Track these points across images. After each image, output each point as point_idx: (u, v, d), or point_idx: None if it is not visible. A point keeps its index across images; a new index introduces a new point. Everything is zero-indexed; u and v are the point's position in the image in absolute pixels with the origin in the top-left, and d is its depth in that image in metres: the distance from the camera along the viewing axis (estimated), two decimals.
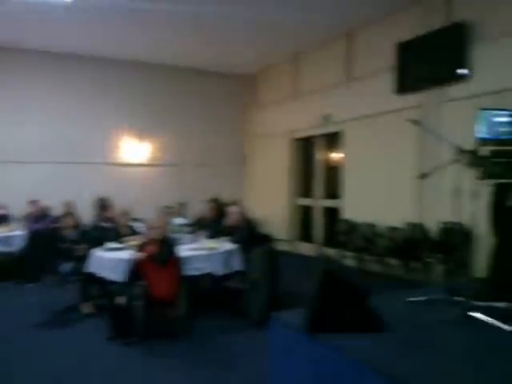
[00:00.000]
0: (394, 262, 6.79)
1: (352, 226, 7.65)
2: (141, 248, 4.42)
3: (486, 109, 4.09)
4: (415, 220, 6.54)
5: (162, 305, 4.25)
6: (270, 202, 9.87)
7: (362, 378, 2.27)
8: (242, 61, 9.70)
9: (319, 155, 9.08)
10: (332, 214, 8.51)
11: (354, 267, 7.42)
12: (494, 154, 3.90)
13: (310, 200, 9.25)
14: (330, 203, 8.70)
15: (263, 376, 3.09)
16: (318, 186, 9.06)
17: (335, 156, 8.73)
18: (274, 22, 7.50)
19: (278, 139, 9.79)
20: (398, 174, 6.83)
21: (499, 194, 3.41)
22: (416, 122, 3.49)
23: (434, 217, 6.10)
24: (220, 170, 10.25)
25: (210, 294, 5.19)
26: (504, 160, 3.67)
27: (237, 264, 4.97)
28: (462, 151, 3.26)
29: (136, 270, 4.21)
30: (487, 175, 3.60)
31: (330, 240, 8.28)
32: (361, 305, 2.71)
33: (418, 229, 6.49)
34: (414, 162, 6.45)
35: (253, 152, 10.65)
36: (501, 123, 3.97)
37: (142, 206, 7.63)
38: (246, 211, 6.15)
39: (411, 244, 6.46)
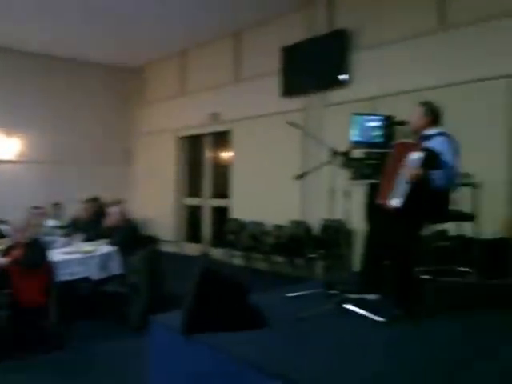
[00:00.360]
0: (279, 259, 7.01)
1: (240, 226, 7.74)
2: (6, 252, 4.09)
3: (358, 114, 4.44)
4: (299, 218, 6.82)
5: (31, 313, 3.92)
6: (156, 202, 9.65)
7: (240, 375, 2.30)
8: (128, 54, 9.37)
9: (208, 154, 9.07)
10: (221, 213, 8.54)
11: (241, 265, 7.57)
12: (366, 156, 4.26)
13: (198, 199, 9.20)
14: (218, 203, 8.73)
15: (144, 382, 3.01)
16: (207, 185, 9.05)
17: (224, 155, 8.79)
18: (161, 17, 7.35)
19: (165, 137, 9.60)
20: (283, 174, 7.05)
21: (370, 193, 3.61)
22: (294, 124, 3.62)
23: (316, 215, 6.43)
24: (103, 169, 9.76)
25: (87, 300, 4.95)
26: (374, 162, 4.02)
27: (116, 267, 4.80)
28: (335, 153, 3.46)
29: (0, 277, 3.90)
30: (359, 176, 3.91)
31: (219, 240, 8.30)
32: (240, 302, 2.76)
33: (301, 226, 6.77)
34: (298, 162, 6.71)
35: (139, 150, 10.34)
36: (373, 127, 4.34)
37: (12, 207, 7.04)
38: (128, 211, 5.97)
39: (295, 241, 6.71)
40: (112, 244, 4.96)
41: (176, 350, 2.71)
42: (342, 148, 3.62)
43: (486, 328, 2.95)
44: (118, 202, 5.36)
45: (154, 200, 9.70)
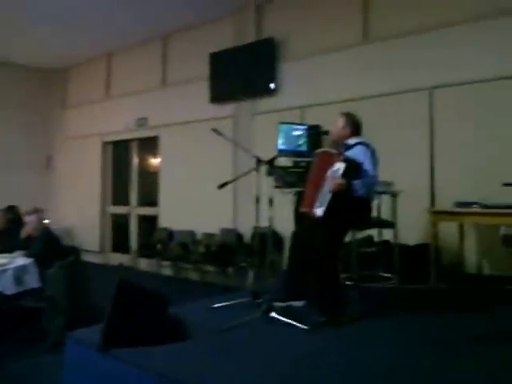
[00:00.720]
0: (210, 268, 6.95)
1: (169, 234, 7.62)
2: None
3: (284, 122, 4.54)
4: (231, 226, 6.82)
5: None
6: (80, 211, 9.25)
7: None
8: (52, 55, 8.95)
9: (135, 160, 8.85)
10: (149, 222, 8.33)
11: (169, 276, 7.47)
12: (294, 164, 4.37)
13: (125, 208, 8.93)
14: (146, 211, 8.52)
15: None
16: (134, 192, 8.82)
17: (152, 161, 8.62)
18: (86, 18, 7.12)
19: (89, 142, 9.24)
20: (214, 181, 7.00)
21: (298, 201, 3.72)
22: (217, 132, 3.63)
23: (248, 222, 6.45)
24: (21, 176, 9.16)
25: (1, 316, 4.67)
26: (299, 170, 4.13)
27: (33, 281, 4.56)
28: (259, 161, 3.50)
29: None
30: (283, 184, 4.01)
31: (147, 249, 8.08)
32: (160, 315, 2.73)
33: (232, 234, 6.76)
34: (229, 169, 6.71)
35: (62, 156, 9.87)
36: (298, 136, 4.46)
37: None
38: (48, 221, 5.71)
39: (226, 250, 6.69)
40: (28, 256, 4.72)
41: (92, 368, 2.62)
42: (271, 156, 3.65)
43: (407, 333, 3.06)
44: (35, 211, 5.10)
45: (78, 208, 9.30)
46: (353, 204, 3.30)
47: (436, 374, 2.36)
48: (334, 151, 3.46)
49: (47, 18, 7.18)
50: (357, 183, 3.27)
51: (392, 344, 2.84)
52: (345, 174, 3.19)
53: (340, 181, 3.20)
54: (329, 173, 3.28)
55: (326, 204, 3.19)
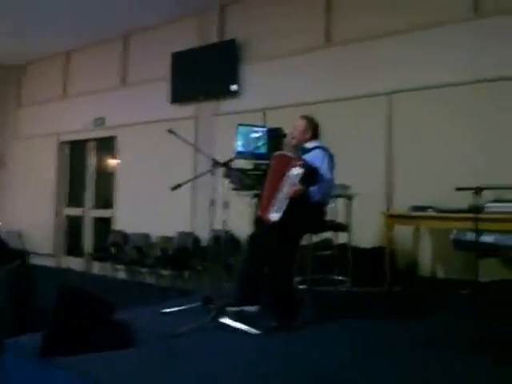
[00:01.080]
0: (166, 272, 6.76)
1: (124, 237, 7.38)
2: None
3: (243, 124, 4.46)
4: (189, 229, 6.65)
5: None
6: (33, 213, 8.83)
7: None
8: (4, 51, 8.52)
9: (91, 161, 8.57)
10: (105, 224, 8.05)
11: (124, 280, 7.23)
12: (255, 167, 4.28)
13: (79, 209, 8.60)
14: (101, 213, 8.24)
15: None
16: (89, 194, 8.52)
17: (109, 163, 8.33)
18: (45, 15, 6.88)
19: (45, 142, 8.87)
20: (172, 184, 6.85)
21: (257, 204, 3.66)
22: (172, 132, 3.51)
23: (206, 225, 6.31)
24: None
25: None
26: (257, 173, 4.04)
27: None
28: (215, 163, 3.40)
29: None
30: (241, 186, 3.92)
31: (101, 253, 7.77)
32: (104, 321, 2.61)
33: (189, 238, 6.59)
34: (189, 172, 6.50)
35: (14, 155, 9.44)
36: (257, 139, 4.38)
37: None
38: None
39: (183, 253, 6.51)
40: None
41: (31, 376, 2.47)
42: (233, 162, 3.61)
43: (358, 336, 3.03)
44: None
45: (31, 210, 8.87)
46: (308, 209, 3.26)
47: (382, 376, 2.34)
48: (291, 155, 3.41)
49: (1, 15, 6.87)
50: (313, 189, 3.23)
51: (343, 347, 2.82)
52: (302, 179, 3.14)
53: (298, 187, 3.15)
54: (286, 178, 3.21)
55: (282, 210, 3.13)
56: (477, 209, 2.84)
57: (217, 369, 2.44)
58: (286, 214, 3.11)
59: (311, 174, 3.19)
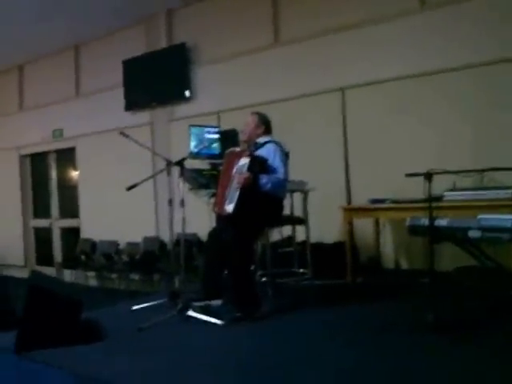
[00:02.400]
0: (135, 277, 6.45)
1: (92, 245, 7.02)
2: None
3: (195, 125, 4.17)
4: (154, 234, 6.34)
5: None
6: (1, 225, 8.28)
7: None
8: None
9: (53, 172, 8.12)
10: (73, 234, 7.65)
11: (94, 286, 6.86)
12: (211, 167, 4.01)
13: (46, 221, 8.15)
14: (68, 223, 7.82)
15: None
16: (54, 205, 8.09)
17: (71, 173, 7.90)
18: None
19: (5, 156, 8.37)
20: (134, 190, 6.46)
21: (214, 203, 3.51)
22: (124, 135, 3.40)
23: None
24: None
25: None
26: (213, 172, 3.76)
27: None
28: (169, 163, 3.25)
29: None
30: (196, 186, 3.67)
31: (71, 261, 7.38)
32: (73, 317, 2.64)
33: (155, 242, 6.30)
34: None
35: None
36: (210, 139, 4.08)
37: None
38: None
39: (149, 258, 6.21)
40: None
41: (5, 370, 2.54)
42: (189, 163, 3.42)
43: (317, 324, 2.95)
44: None
45: None
46: (263, 201, 3.15)
47: (339, 365, 2.27)
48: (240, 150, 3.36)
49: None
50: (263, 177, 3.13)
51: (303, 336, 2.76)
52: (250, 168, 3.08)
53: (246, 175, 3.06)
54: (235, 170, 3.16)
55: (235, 200, 3.07)
56: (431, 198, 2.63)
57: (184, 358, 2.44)
58: (240, 206, 3.05)
59: (258, 163, 3.12)
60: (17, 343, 2.48)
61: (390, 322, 2.89)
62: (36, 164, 8.39)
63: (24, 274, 7.85)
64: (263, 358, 2.40)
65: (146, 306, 3.39)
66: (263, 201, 3.13)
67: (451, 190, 3.59)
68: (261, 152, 3.26)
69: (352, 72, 4.80)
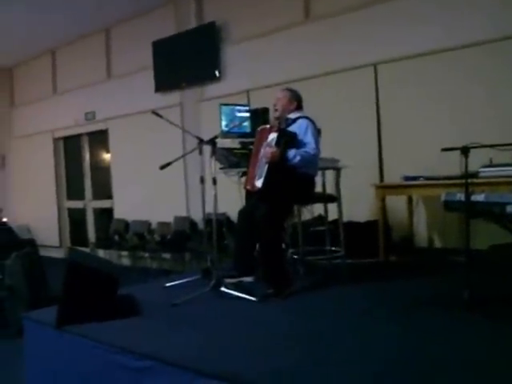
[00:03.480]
0: (167, 255, 6.51)
1: (125, 225, 7.12)
2: None
3: (226, 104, 4.12)
4: (185, 213, 6.35)
5: None
6: (36, 208, 8.56)
7: (115, 361, 2.19)
8: None
9: (86, 154, 8.22)
10: (106, 214, 7.76)
11: (128, 266, 6.98)
12: (242, 146, 3.96)
13: (80, 202, 8.30)
14: (101, 204, 7.93)
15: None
16: (88, 186, 8.20)
17: (104, 155, 7.97)
18: (27, 16, 6.48)
19: (40, 139, 8.52)
20: (166, 170, 6.52)
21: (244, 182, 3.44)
22: (156, 114, 3.29)
23: (200, 208, 6.00)
24: None
25: None
26: (243, 151, 3.72)
27: None
28: (201, 141, 3.17)
29: None
30: (228, 164, 3.64)
31: (105, 241, 7.51)
32: (110, 293, 2.67)
33: (186, 222, 6.31)
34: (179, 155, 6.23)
35: (13, 154, 9.10)
36: (241, 117, 4.03)
37: None
38: (5, 219, 5.17)
39: (180, 237, 6.22)
40: None
41: (50, 344, 2.60)
42: (220, 142, 3.33)
43: (349, 302, 2.93)
44: None
45: (35, 205, 8.61)
46: (294, 177, 3.08)
47: (374, 340, 2.21)
48: (270, 126, 3.27)
49: None
50: (291, 152, 3.04)
51: (341, 311, 2.75)
52: (278, 142, 3.02)
53: (272, 149, 2.99)
54: (264, 145, 3.11)
55: (263, 174, 3.03)
56: (468, 174, 2.54)
57: (224, 330, 2.45)
58: (269, 180, 3.00)
59: (287, 137, 3.06)
60: (57, 318, 2.52)
61: (425, 300, 2.83)
62: (69, 147, 8.50)
63: (59, 254, 8.09)
64: (307, 328, 2.40)
65: (179, 283, 3.38)
66: (294, 177, 3.06)
67: (488, 167, 3.44)
68: (293, 128, 3.16)
69: (384, 47, 4.61)
